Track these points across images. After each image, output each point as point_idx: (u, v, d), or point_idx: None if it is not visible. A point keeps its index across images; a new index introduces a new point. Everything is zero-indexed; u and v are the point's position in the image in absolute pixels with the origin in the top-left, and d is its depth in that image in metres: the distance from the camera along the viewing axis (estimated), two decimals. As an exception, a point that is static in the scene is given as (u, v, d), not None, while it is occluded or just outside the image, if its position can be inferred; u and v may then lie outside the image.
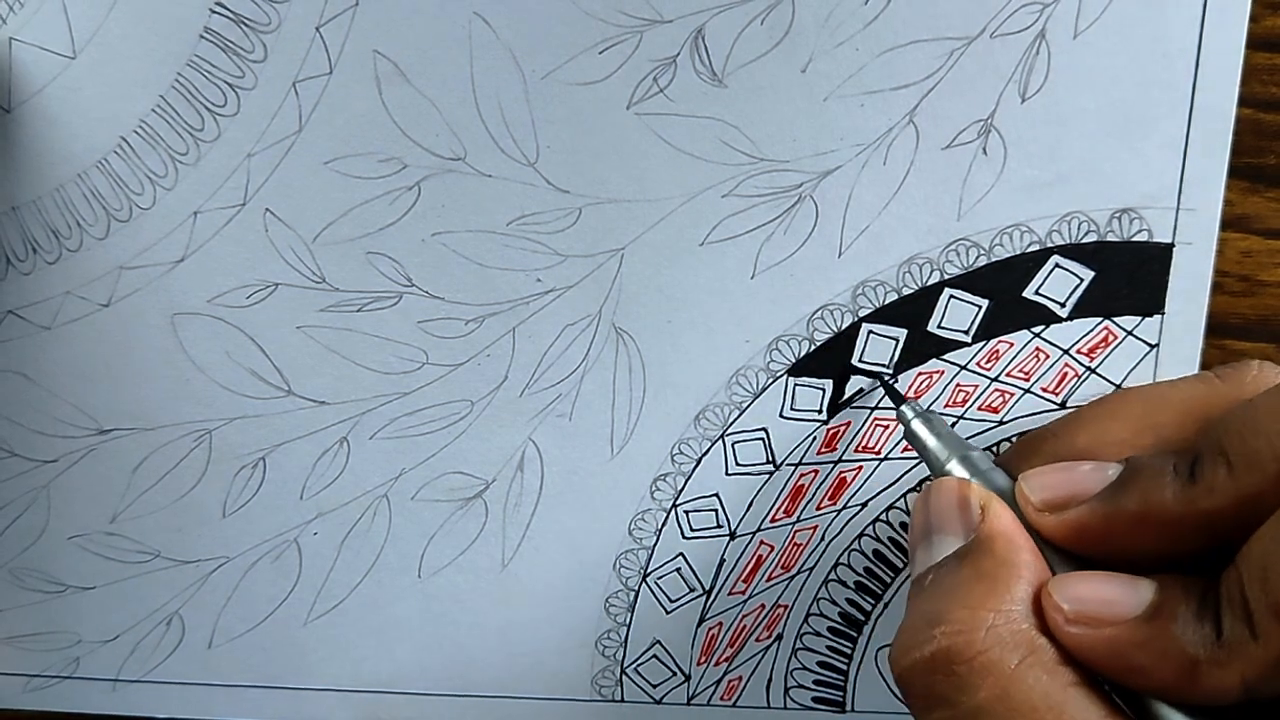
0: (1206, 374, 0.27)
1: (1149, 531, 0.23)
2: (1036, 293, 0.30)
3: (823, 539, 0.32)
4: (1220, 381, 0.27)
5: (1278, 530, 0.21)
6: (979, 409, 0.31)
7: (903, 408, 0.29)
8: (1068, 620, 0.23)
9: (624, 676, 0.33)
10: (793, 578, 0.32)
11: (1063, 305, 0.30)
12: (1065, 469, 0.25)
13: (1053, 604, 0.23)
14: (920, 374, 0.30)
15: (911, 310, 0.30)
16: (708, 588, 0.32)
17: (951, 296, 0.30)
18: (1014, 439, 0.31)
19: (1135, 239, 0.29)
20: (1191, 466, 0.23)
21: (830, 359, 0.30)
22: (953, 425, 0.31)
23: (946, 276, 0.30)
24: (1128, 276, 0.30)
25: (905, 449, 0.31)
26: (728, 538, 0.32)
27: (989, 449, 0.31)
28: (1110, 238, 0.29)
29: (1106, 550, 0.24)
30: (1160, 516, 0.23)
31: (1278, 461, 0.21)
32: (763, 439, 0.31)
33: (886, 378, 0.30)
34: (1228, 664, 0.21)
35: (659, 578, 0.32)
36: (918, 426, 0.28)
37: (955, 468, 0.27)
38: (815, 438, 0.31)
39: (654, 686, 0.33)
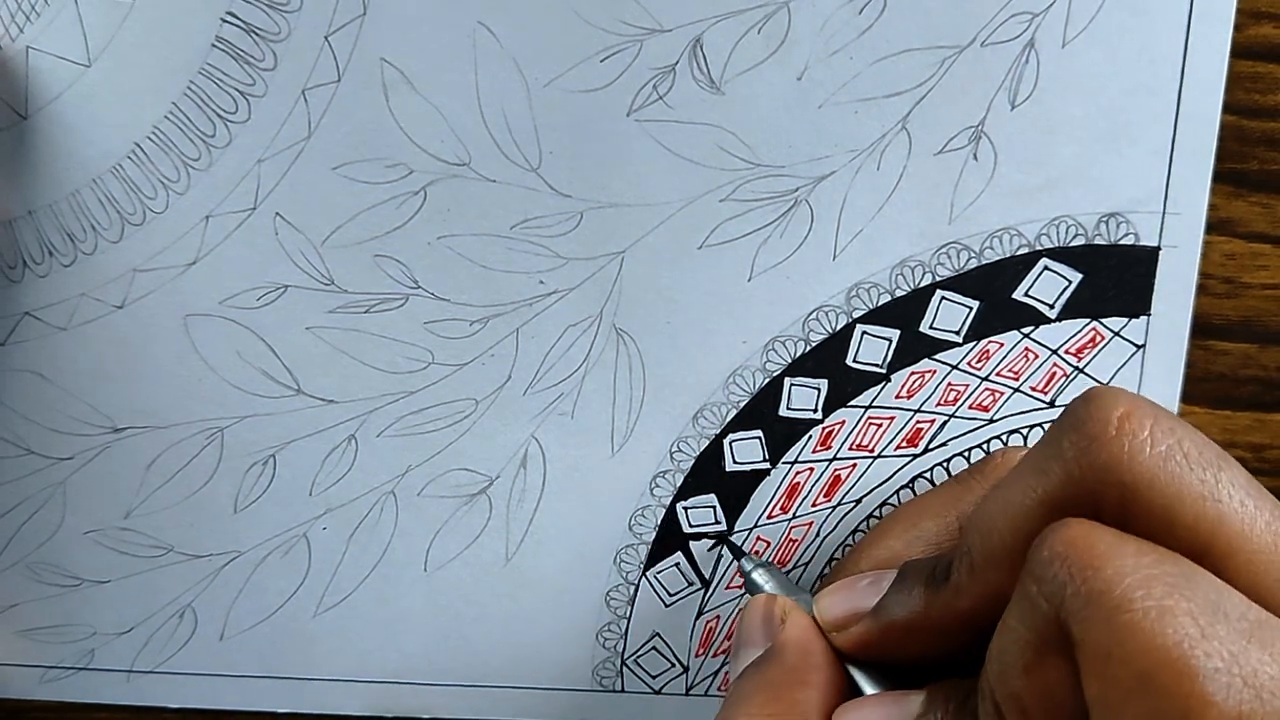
0: (962, 473, 0.28)
1: (921, 637, 0.23)
2: (1026, 294, 0.30)
3: (817, 535, 0.32)
4: (971, 478, 0.28)
5: (1005, 624, 0.20)
6: (970, 408, 0.31)
7: (742, 560, 0.30)
8: None
9: (624, 667, 0.33)
10: (788, 573, 0.32)
11: (1051, 306, 0.30)
12: (845, 586, 0.26)
13: None
14: (913, 373, 0.31)
15: (904, 311, 0.30)
16: (706, 582, 0.32)
17: (943, 298, 0.30)
18: (1004, 437, 0.31)
19: (1122, 242, 0.30)
20: (948, 569, 0.23)
21: (826, 359, 0.31)
22: (945, 424, 0.31)
23: (938, 279, 0.30)
24: (1115, 279, 0.30)
25: (899, 447, 0.31)
26: (725, 534, 0.32)
27: (980, 446, 0.31)
28: (1098, 241, 0.30)
29: (896, 658, 0.24)
30: (925, 623, 0.23)
31: (1009, 555, 0.21)
32: (760, 437, 0.31)
33: (725, 534, 0.31)
34: None
35: (658, 572, 0.32)
36: (758, 576, 0.29)
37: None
38: (811, 436, 0.31)
39: (653, 677, 0.33)
